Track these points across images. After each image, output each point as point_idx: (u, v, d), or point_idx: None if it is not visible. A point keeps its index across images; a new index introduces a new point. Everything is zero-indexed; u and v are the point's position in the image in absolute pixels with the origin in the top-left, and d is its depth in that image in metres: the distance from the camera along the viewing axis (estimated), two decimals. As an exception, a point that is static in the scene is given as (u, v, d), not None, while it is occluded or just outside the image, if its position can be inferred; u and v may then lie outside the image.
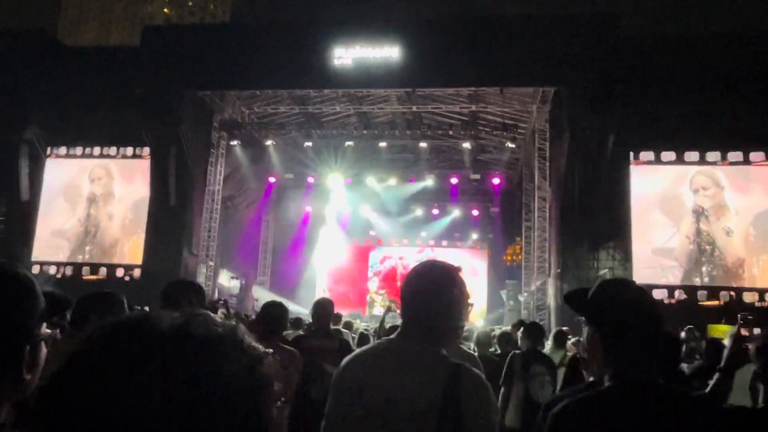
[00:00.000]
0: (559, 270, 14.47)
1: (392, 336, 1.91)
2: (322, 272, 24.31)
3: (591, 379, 2.35)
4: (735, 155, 14.49)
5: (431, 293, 1.84)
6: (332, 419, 1.83)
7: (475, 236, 23.03)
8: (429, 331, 1.81)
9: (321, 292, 22.22)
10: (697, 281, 14.00)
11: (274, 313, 3.96)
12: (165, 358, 0.58)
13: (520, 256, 19.73)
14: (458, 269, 1.95)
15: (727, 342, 2.33)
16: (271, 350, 0.68)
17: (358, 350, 1.97)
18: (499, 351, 6.31)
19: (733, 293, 13.70)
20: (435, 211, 22.31)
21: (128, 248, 16.65)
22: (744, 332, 2.30)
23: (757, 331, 2.30)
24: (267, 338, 3.72)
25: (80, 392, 0.57)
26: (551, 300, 15.05)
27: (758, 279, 13.78)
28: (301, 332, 6.64)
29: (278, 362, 3.71)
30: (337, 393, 1.84)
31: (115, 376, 0.57)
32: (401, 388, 1.69)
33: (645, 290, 1.69)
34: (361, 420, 1.72)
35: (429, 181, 20.54)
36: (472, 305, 1.94)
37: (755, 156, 14.43)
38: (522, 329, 6.04)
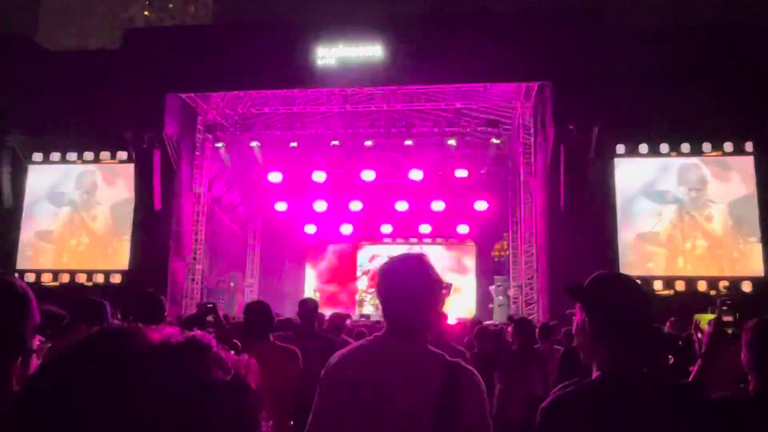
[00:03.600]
0: (546, 264, 14.56)
1: (380, 334, 1.91)
2: (311, 272, 24.28)
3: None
4: (719, 146, 14.71)
5: (406, 289, 1.85)
6: (324, 414, 1.81)
7: (462, 232, 23.08)
8: (413, 326, 1.82)
9: (310, 292, 22.18)
10: (681, 264, 14.37)
11: (258, 314, 3.89)
12: (147, 372, 0.58)
13: (507, 252, 19.80)
14: (425, 257, 1.95)
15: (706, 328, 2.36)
16: (251, 358, 0.67)
17: (349, 346, 1.96)
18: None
19: (726, 282, 13.98)
20: (422, 209, 22.30)
21: (112, 253, 16.50)
22: (727, 318, 2.33)
23: (729, 318, 2.33)
24: (259, 339, 3.69)
25: (56, 396, 0.57)
26: (540, 294, 15.14)
27: (738, 262, 14.21)
28: (290, 333, 6.62)
29: (276, 360, 3.67)
30: (329, 388, 1.82)
31: (93, 387, 0.56)
32: (398, 385, 1.70)
33: (639, 284, 1.73)
34: (355, 416, 1.72)
35: (415, 179, 20.55)
36: (449, 286, 1.94)
37: (739, 147, 14.65)
38: (513, 325, 6.12)
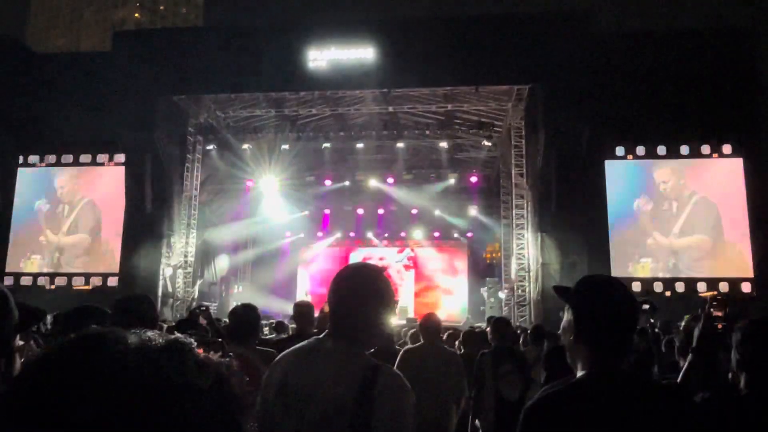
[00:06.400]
0: (537, 266, 14.60)
1: (321, 336, 1.93)
2: (303, 275, 24.22)
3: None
4: (704, 148, 14.87)
5: (352, 296, 1.87)
6: (258, 416, 1.84)
7: (454, 235, 23.10)
8: (351, 333, 1.84)
9: (303, 295, 22.12)
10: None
11: (244, 317, 3.80)
12: (125, 375, 0.57)
13: (499, 254, 19.83)
14: (383, 269, 1.98)
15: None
16: (233, 361, 0.67)
17: (288, 349, 1.97)
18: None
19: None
20: (414, 211, 22.33)
21: (103, 255, 16.40)
22: (717, 313, 2.35)
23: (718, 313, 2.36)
24: (242, 343, 3.65)
25: (37, 400, 0.56)
26: (531, 296, 15.17)
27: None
28: (284, 336, 6.59)
29: (256, 365, 3.65)
30: (264, 389, 1.86)
31: (69, 391, 0.56)
32: (318, 385, 1.72)
33: (626, 287, 1.76)
34: (281, 416, 1.75)
35: (407, 181, 20.57)
36: (397, 303, 1.96)
37: (726, 148, 14.81)
38: (489, 326, 5.92)
